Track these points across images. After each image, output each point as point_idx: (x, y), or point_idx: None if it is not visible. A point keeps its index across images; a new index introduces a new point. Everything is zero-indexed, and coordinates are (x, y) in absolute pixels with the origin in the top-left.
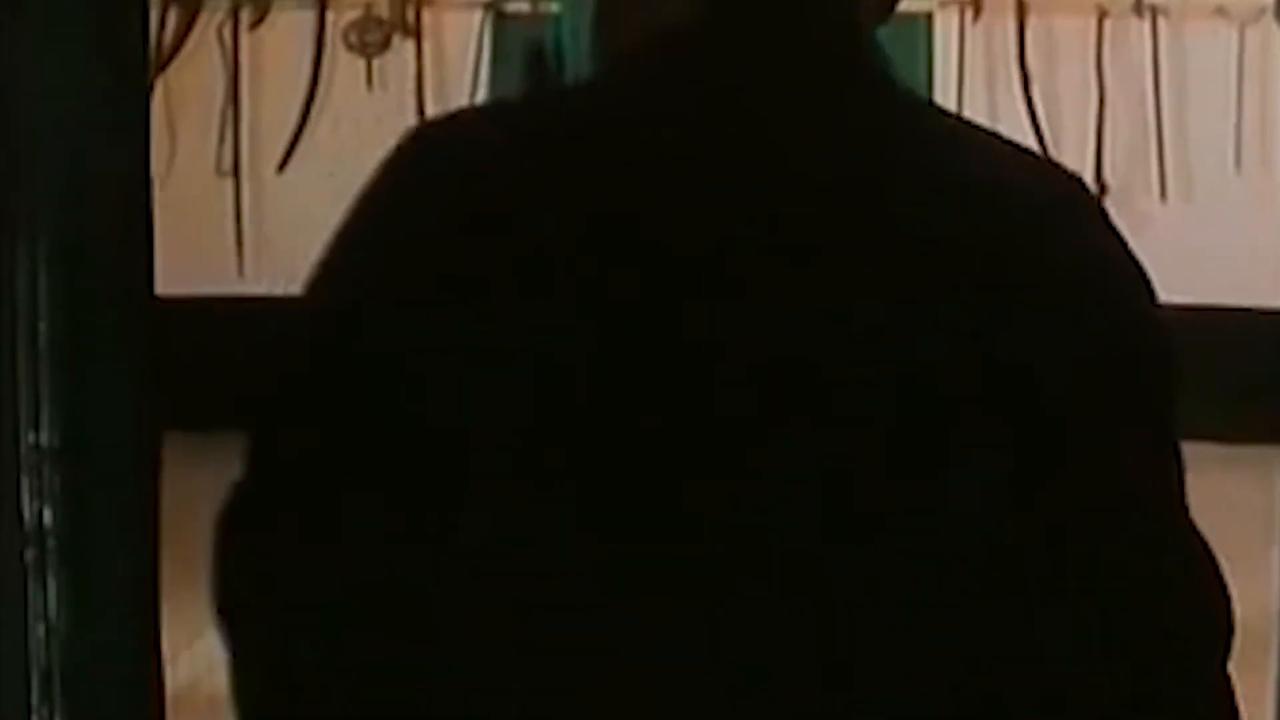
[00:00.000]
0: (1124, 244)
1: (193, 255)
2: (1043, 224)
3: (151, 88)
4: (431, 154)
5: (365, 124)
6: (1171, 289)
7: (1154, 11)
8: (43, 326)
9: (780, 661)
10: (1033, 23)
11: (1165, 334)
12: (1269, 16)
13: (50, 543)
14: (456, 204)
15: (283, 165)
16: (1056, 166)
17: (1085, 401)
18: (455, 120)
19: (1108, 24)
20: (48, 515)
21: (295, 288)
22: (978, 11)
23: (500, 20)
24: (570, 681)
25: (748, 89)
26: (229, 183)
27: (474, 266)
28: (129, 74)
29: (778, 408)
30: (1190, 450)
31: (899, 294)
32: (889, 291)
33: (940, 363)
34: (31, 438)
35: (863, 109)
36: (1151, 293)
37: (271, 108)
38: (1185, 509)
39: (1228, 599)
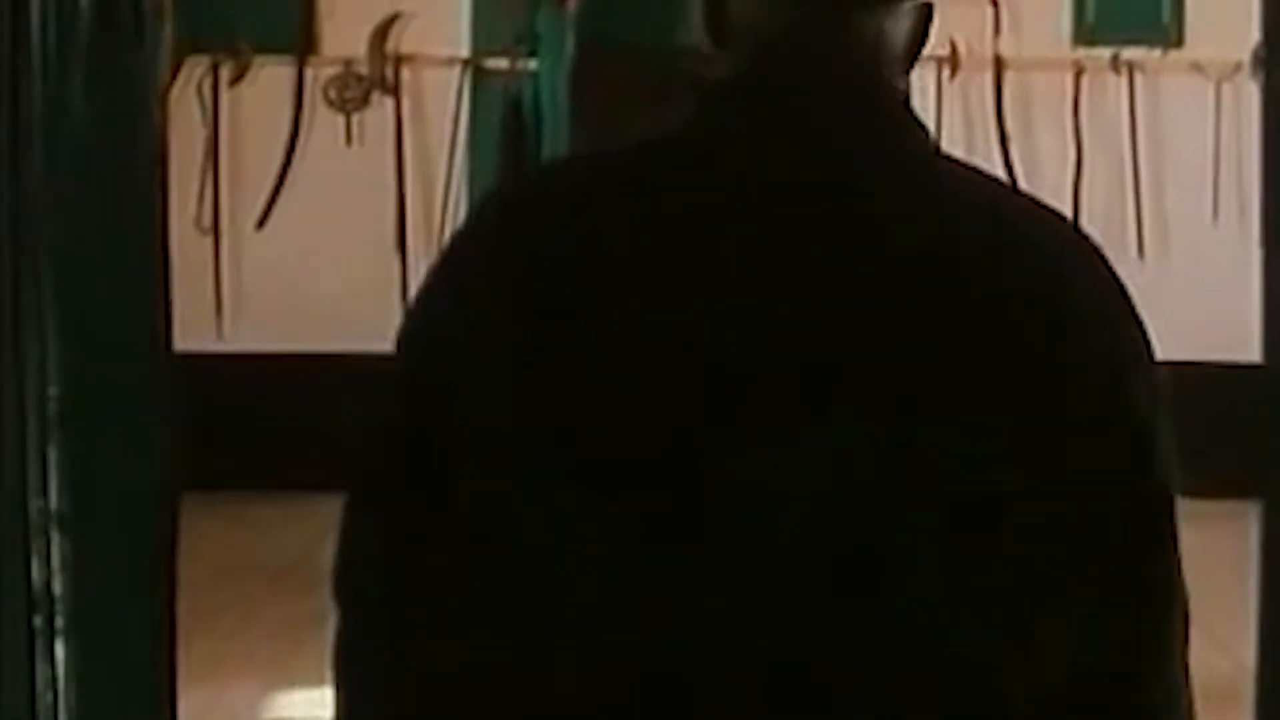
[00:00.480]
0: (1119, 285)
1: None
2: (1045, 266)
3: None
4: (507, 229)
5: (344, 180)
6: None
7: (1130, 68)
8: (52, 392)
9: (778, 650)
10: (1010, 78)
11: (1142, 358)
12: (1244, 72)
13: (59, 608)
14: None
15: (262, 222)
16: (1051, 213)
17: (1074, 419)
18: (526, 191)
19: (1084, 80)
20: (56, 581)
21: (273, 346)
22: (955, 68)
23: (479, 76)
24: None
25: (789, 140)
26: (209, 240)
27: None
28: (137, 134)
29: (801, 417)
30: None
31: (903, 317)
32: (894, 317)
33: (945, 384)
34: (40, 503)
35: (889, 154)
36: (1137, 319)
37: (251, 164)
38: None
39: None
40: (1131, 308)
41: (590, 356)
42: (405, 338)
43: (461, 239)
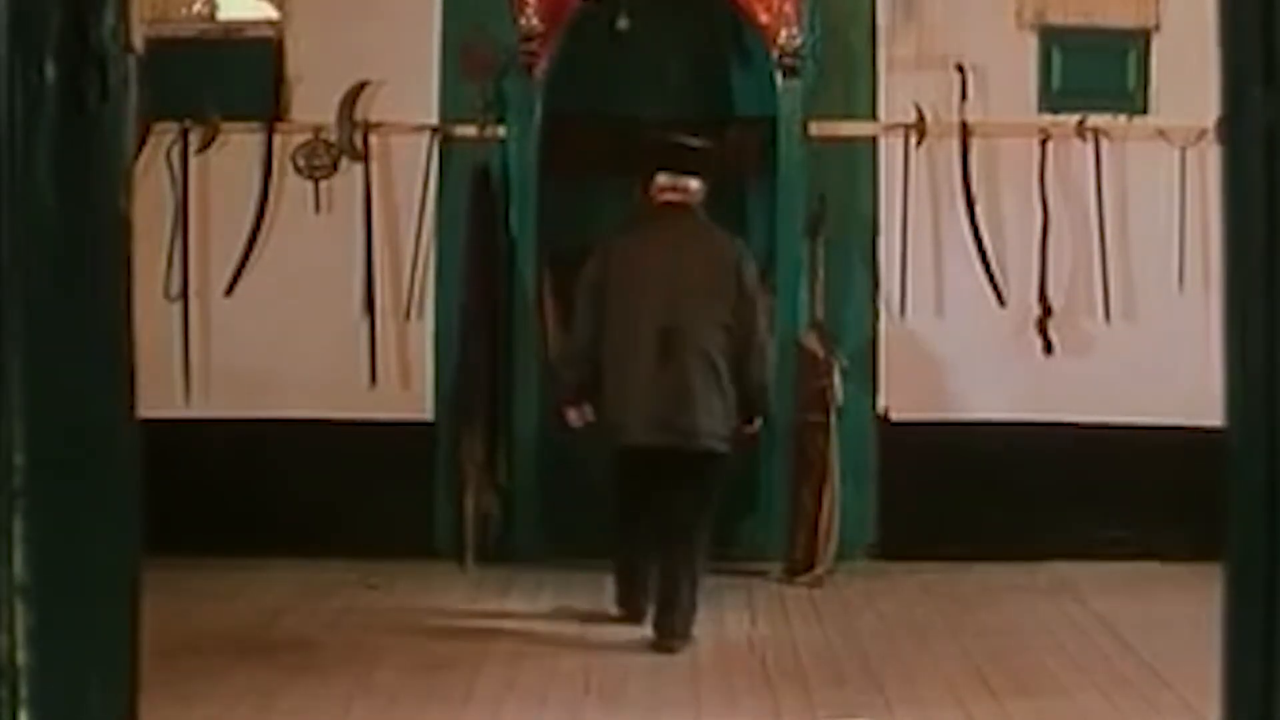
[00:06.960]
0: (745, 248)
1: (140, 380)
2: (736, 249)
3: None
4: (602, 245)
5: (313, 247)
6: (1115, 409)
7: (1096, 134)
8: (17, 462)
9: (678, 333)
10: (976, 144)
11: (757, 270)
12: (1208, 139)
13: (23, 678)
14: (605, 254)
15: (230, 289)
16: (732, 238)
17: (753, 285)
18: (607, 237)
19: (1050, 146)
20: (20, 652)
21: (240, 412)
22: (921, 134)
23: (448, 143)
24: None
25: (668, 226)
26: (177, 307)
27: (607, 266)
28: (104, 207)
29: (673, 294)
30: (1131, 568)
31: (706, 269)
32: (703, 269)
33: (717, 280)
34: (4, 573)
35: (698, 229)
36: (751, 258)
37: (220, 231)
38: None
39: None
40: (750, 257)
41: (619, 270)
42: (590, 261)
43: (599, 243)
